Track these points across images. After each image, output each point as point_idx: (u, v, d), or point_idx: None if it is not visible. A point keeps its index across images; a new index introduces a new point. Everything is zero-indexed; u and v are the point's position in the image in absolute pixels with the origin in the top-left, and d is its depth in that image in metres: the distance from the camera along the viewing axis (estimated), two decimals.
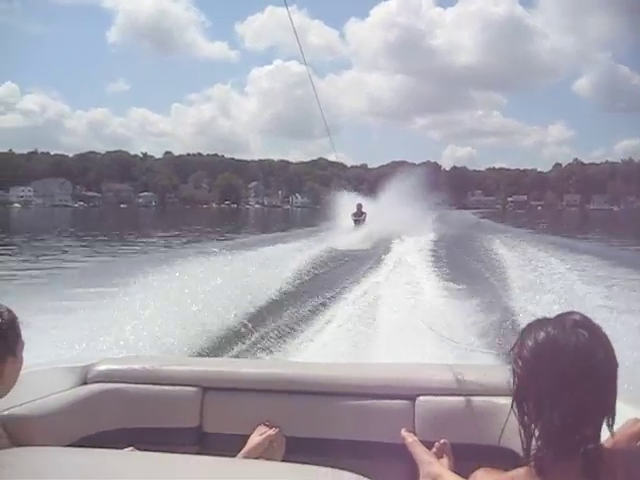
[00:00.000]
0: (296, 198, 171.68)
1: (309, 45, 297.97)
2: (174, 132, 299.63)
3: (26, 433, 2.11)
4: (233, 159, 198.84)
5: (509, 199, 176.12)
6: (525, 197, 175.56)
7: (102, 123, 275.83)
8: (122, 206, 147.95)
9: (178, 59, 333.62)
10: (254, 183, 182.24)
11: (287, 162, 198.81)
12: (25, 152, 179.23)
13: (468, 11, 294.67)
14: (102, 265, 19.26)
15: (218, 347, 7.56)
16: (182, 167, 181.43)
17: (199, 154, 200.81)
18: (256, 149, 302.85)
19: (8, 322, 1.89)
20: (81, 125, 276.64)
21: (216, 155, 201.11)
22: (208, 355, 7.02)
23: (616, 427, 1.47)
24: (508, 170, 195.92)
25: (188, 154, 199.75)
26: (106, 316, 7.59)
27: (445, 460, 2.14)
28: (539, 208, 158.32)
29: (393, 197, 30.52)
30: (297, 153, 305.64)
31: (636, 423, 1.58)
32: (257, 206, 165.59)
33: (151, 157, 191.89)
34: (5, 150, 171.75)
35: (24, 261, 21.32)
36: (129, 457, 1.86)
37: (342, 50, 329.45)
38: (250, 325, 8.59)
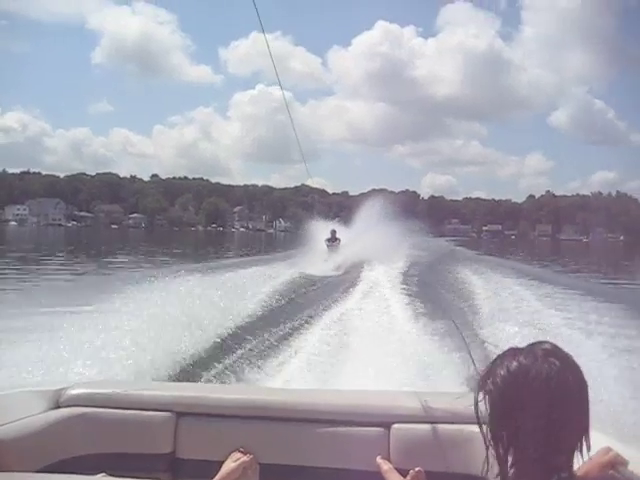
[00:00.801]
0: (279, 222, 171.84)
1: (292, 71, 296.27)
2: (155, 154, 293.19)
3: None
4: (219, 183, 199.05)
5: (484, 228, 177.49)
6: (499, 226, 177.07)
7: (83, 142, 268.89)
8: (113, 227, 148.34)
9: (162, 82, 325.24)
10: (239, 207, 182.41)
11: (271, 187, 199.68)
12: (18, 171, 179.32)
13: (449, 43, 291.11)
14: (78, 284, 18.74)
15: (191, 372, 7.33)
16: (169, 190, 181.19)
17: (185, 177, 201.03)
18: (237, 172, 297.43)
19: None
20: (62, 144, 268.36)
21: (202, 179, 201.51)
22: (181, 380, 6.77)
23: (588, 456, 1.47)
24: (484, 200, 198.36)
25: (174, 177, 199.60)
26: (79, 338, 7.30)
27: None
28: (512, 237, 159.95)
29: (369, 224, 30.22)
30: (277, 177, 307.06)
31: (608, 452, 1.59)
32: (242, 229, 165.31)
33: (139, 180, 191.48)
34: None
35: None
36: None
37: (324, 77, 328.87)
38: (223, 350, 8.40)
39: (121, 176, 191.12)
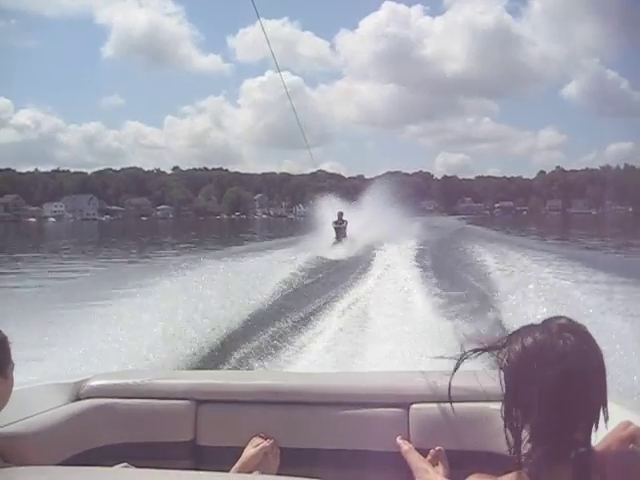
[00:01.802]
0: (299, 208, 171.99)
1: (301, 56, 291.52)
2: (167, 145, 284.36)
3: (19, 452, 2.00)
4: (238, 172, 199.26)
5: (496, 205, 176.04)
6: (511, 203, 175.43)
7: (95, 137, 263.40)
8: (143, 218, 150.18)
9: (172, 73, 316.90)
10: (259, 195, 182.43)
11: (288, 175, 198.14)
12: (49, 170, 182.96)
13: (456, 20, 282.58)
14: (100, 276, 18.47)
15: (210, 359, 7.26)
16: (191, 181, 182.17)
17: (205, 168, 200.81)
18: (249, 159, 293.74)
19: None
20: (75, 139, 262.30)
21: (221, 169, 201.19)
22: (200, 368, 6.67)
23: (608, 430, 1.42)
24: (496, 178, 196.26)
25: (195, 168, 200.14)
26: (99, 330, 7.30)
27: (440, 467, 2.08)
28: (524, 213, 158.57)
29: (381, 206, 29.37)
30: (290, 163, 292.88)
31: (627, 426, 1.49)
32: (264, 216, 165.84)
33: (163, 173, 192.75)
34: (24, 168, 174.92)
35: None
36: (123, 474, 1.80)
37: (333, 61, 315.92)
38: (241, 337, 8.27)
39: (145, 170, 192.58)
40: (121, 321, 7.57)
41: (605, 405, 1.40)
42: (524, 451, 1.39)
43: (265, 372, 6.25)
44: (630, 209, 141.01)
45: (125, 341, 6.84)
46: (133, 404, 2.50)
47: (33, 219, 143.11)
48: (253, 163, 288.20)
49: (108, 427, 2.43)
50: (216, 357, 7.37)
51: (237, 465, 2.23)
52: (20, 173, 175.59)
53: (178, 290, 9.31)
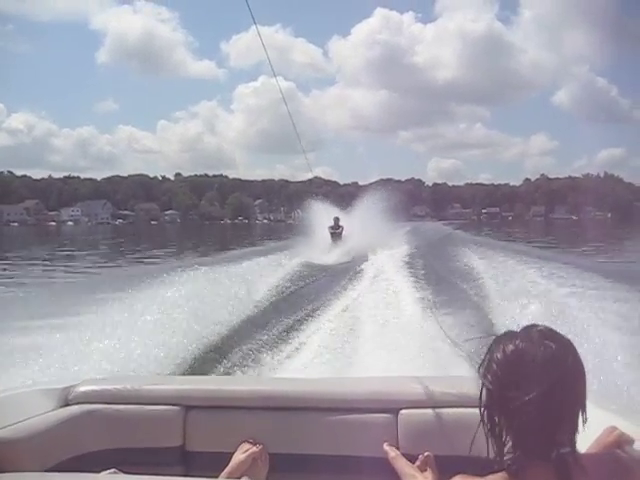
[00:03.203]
0: (297, 213, 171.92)
1: (293, 63, 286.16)
2: (160, 149, 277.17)
3: (8, 457, 1.94)
4: (238, 179, 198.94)
5: (483, 211, 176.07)
6: (497, 209, 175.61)
7: (88, 141, 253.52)
8: (152, 222, 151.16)
9: (166, 78, 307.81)
10: (259, 201, 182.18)
11: (287, 181, 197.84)
12: (62, 176, 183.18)
13: (448, 27, 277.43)
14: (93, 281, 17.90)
15: (198, 365, 6.93)
16: (194, 187, 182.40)
17: (206, 175, 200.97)
18: (242, 164, 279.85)
19: None
20: (67, 143, 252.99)
21: (221, 175, 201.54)
22: (189, 374, 6.38)
23: (594, 435, 1.42)
24: (484, 185, 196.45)
25: (196, 175, 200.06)
26: (89, 335, 6.95)
27: (429, 473, 2.00)
28: (509, 218, 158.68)
29: (372, 212, 28.47)
30: (283, 168, 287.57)
31: (613, 431, 1.52)
32: (265, 221, 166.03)
33: (168, 179, 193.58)
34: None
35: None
36: None
37: (326, 67, 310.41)
38: (230, 342, 7.92)
39: (151, 176, 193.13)
40: (111, 326, 7.21)
41: (584, 409, 1.38)
42: (508, 455, 1.38)
43: (254, 378, 6.05)
44: (609, 215, 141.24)
45: (114, 346, 6.53)
46: (122, 409, 2.42)
47: (53, 223, 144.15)
48: (245, 168, 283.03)
49: (97, 433, 2.35)
50: (205, 363, 7.07)
51: (226, 471, 2.15)
52: (35, 179, 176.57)
53: (171, 295, 8.82)
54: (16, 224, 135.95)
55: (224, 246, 37.68)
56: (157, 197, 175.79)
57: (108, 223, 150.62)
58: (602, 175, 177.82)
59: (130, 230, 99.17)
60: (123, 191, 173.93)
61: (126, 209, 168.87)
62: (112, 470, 1.91)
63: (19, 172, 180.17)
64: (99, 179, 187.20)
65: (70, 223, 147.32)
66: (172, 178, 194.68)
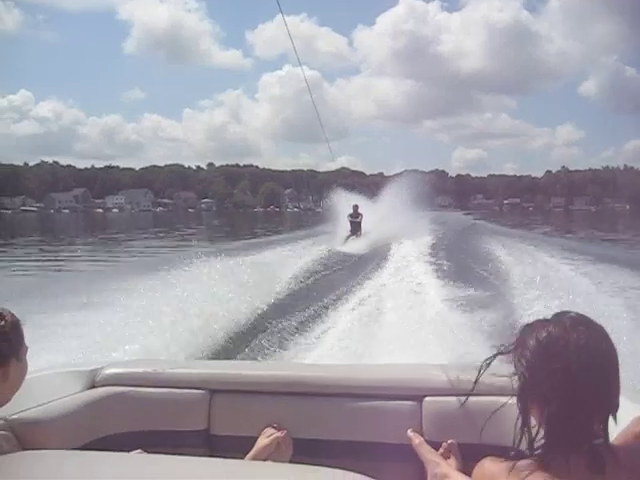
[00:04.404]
0: (325, 202, 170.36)
1: (319, 52, 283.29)
2: (185, 138, 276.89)
3: (35, 437, 1.91)
4: (269, 169, 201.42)
5: (505, 202, 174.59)
6: (518, 200, 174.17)
7: (115, 129, 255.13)
8: (190, 210, 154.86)
9: (192, 67, 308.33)
10: (289, 190, 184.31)
11: (315, 171, 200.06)
12: (102, 166, 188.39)
13: (474, 17, 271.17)
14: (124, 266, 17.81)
15: (225, 350, 6.88)
16: (227, 176, 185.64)
17: (237, 165, 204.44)
18: (266, 153, 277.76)
19: (11, 325, 1.68)
20: (94, 132, 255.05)
21: (252, 165, 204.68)
22: (215, 358, 6.33)
23: (621, 425, 1.35)
24: (506, 176, 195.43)
25: (228, 165, 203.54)
26: (116, 319, 6.98)
27: (452, 460, 1.95)
28: (530, 209, 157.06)
29: (396, 201, 27.64)
30: (306, 156, 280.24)
31: None
32: (295, 209, 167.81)
33: (202, 169, 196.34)
34: (84, 163, 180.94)
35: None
36: (137, 460, 1.70)
37: (350, 56, 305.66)
38: (256, 328, 7.89)
39: (186, 166, 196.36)
40: (140, 311, 7.23)
41: (618, 397, 1.33)
42: (538, 444, 1.34)
43: (279, 363, 6.00)
44: (627, 206, 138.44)
45: (143, 331, 6.55)
46: (148, 392, 2.37)
47: (100, 210, 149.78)
48: (270, 156, 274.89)
49: (123, 415, 2.31)
50: (230, 347, 7.06)
51: (250, 454, 2.13)
52: (79, 169, 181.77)
53: (197, 281, 8.86)
54: (67, 211, 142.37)
55: (256, 233, 38.08)
56: (192, 186, 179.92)
57: (149, 210, 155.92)
58: (622, 167, 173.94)
59: (169, 217, 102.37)
60: (160, 180, 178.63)
61: (164, 197, 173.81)
62: (138, 451, 1.90)
63: (47, 159, 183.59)
64: (137, 169, 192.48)
65: (115, 210, 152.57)
66: (205, 167, 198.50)
